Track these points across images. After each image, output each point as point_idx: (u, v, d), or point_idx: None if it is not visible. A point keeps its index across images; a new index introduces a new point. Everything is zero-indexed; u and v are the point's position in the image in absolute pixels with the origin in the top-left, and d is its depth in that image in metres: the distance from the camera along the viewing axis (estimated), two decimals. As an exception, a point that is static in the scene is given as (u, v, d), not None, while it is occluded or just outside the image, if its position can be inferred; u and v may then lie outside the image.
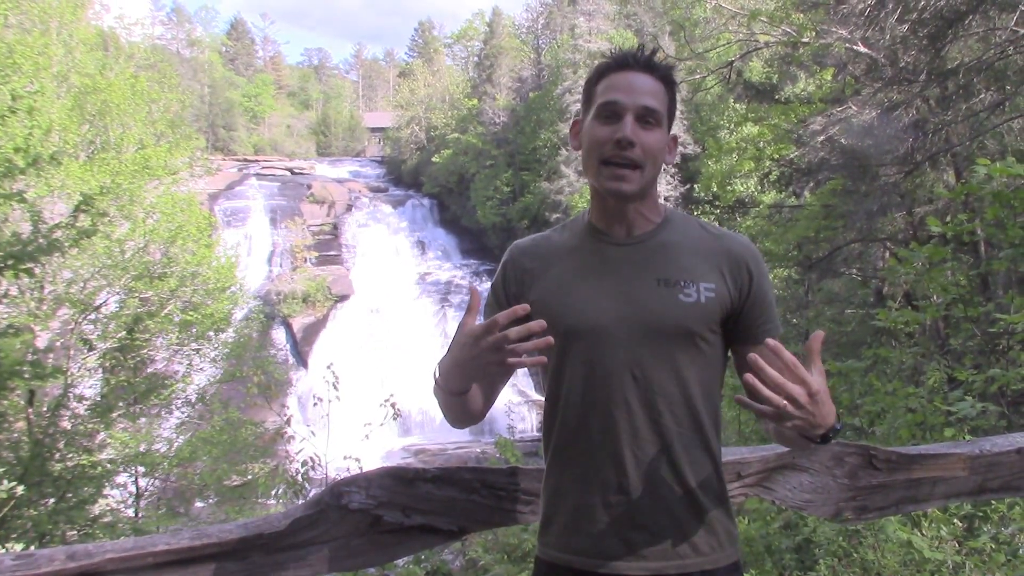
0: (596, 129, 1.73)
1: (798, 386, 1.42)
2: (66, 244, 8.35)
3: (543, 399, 1.88)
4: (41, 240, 7.56)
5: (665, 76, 1.76)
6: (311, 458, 6.88)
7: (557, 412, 1.78)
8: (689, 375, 1.72)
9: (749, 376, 1.42)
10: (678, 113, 1.83)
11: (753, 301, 1.78)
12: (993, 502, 4.01)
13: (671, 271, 1.74)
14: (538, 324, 1.51)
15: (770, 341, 1.46)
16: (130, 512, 11.56)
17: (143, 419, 13.02)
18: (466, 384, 1.70)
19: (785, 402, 1.41)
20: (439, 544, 2.03)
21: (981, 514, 4.16)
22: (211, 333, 16.09)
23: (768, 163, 16.00)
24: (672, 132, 1.81)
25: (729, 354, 1.85)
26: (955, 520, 4.11)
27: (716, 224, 2.18)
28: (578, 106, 1.87)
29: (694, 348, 1.72)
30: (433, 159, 47.04)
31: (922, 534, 3.93)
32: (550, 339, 1.53)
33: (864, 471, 2.21)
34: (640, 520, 1.69)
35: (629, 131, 1.68)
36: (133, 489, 12.21)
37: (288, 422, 8.33)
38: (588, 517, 1.72)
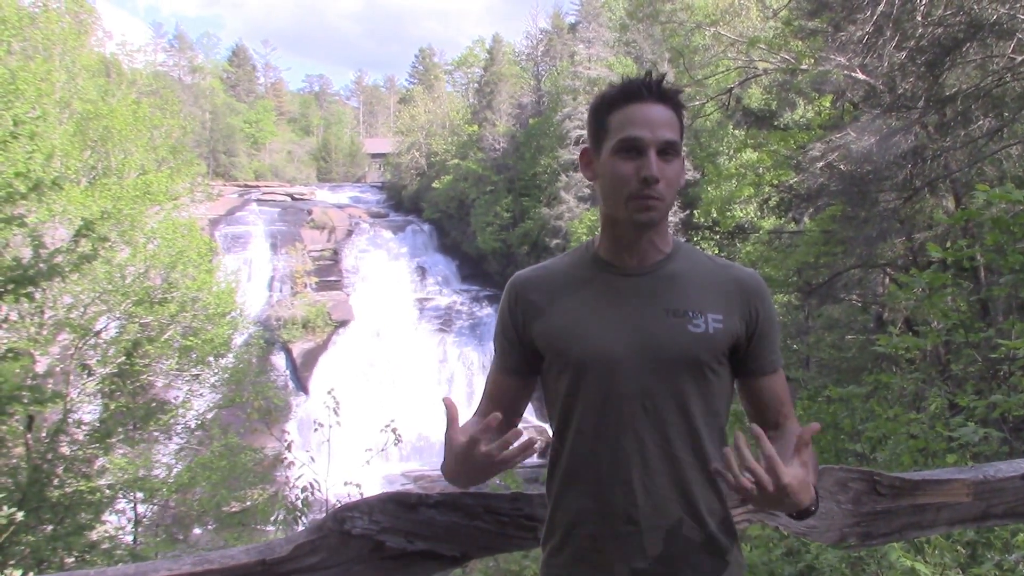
0: (619, 165, 1.71)
1: (768, 476, 1.50)
2: (67, 269, 8.37)
3: (543, 425, 1.88)
4: (42, 265, 7.57)
5: (676, 101, 1.75)
6: (311, 484, 6.85)
7: (566, 441, 1.78)
8: (696, 406, 1.72)
9: (728, 450, 1.53)
10: (679, 139, 1.83)
11: (760, 334, 1.80)
12: (996, 528, 3.99)
13: (680, 301, 1.75)
14: (513, 434, 1.57)
15: (755, 428, 1.56)
16: (129, 538, 11.50)
17: (142, 445, 12.98)
18: (473, 484, 1.76)
19: (752, 487, 1.51)
20: (441, 570, 2.02)
21: (984, 541, 4.14)
22: (211, 358, 16.10)
23: (767, 189, 16.06)
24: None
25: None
26: (958, 547, 4.09)
27: (722, 256, 2.20)
28: (578, 132, 1.88)
29: (702, 378, 1.73)
30: (433, 185, 47.15)
31: (925, 561, 3.91)
32: (532, 440, 1.58)
33: (868, 497, 2.20)
34: (650, 551, 1.69)
35: (655, 170, 1.67)
36: (132, 515, 12.14)
37: (288, 448, 8.29)
38: (598, 547, 1.72)
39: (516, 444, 1.56)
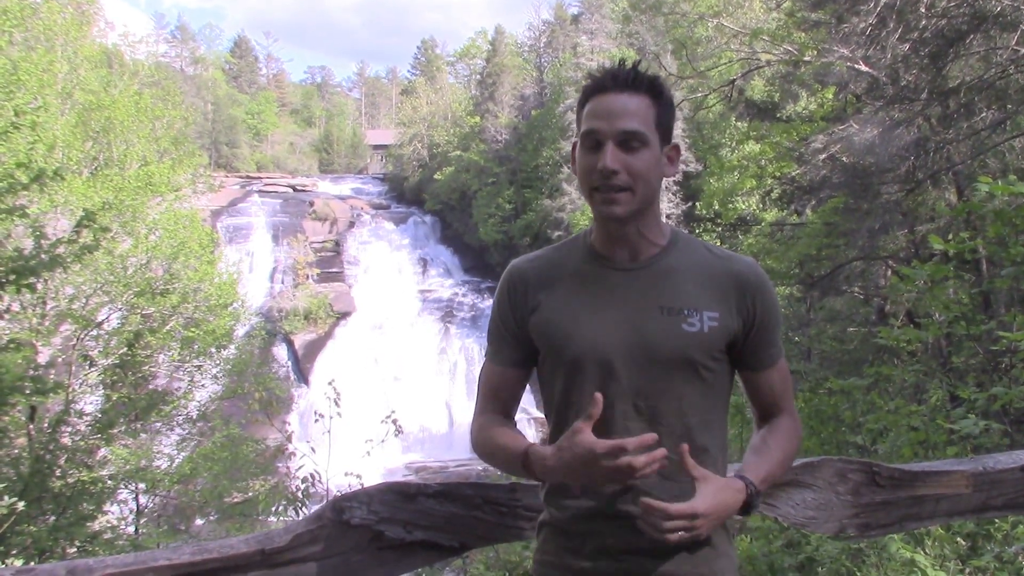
0: (583, 158, 1.71)
1: (689, 522, 1.56)
2: (68, 260, 8.37)
3: (543, 416, 1.86)
4: (43, 255, 7.57)
5: (651, 88, 1.71)
6: (311, 475, 6.86)
7: None
8: (690, 405, 1.70)
9: (646, 504, 1.55)
10: (680, 132, 1.81)
11: (759, 328, 1.77)
12: (996, 520, 3.99)
13: (675, 299, 1.72)
14: (662, 452, 1.53)
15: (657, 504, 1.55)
16: (130, 529, 11.53)
17: (144, 435, 13.01)
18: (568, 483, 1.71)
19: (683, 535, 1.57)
20: (440, 560, 2.02)
21: (984, 532, 4.14)
22: (213, 350, 16.14)
23: (770, 181, 16.03)
24: (673, 142, 1.77)
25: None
26: (958, 538, 4.09)
27: (722, 246, 2.16)
28: (581, 124, 1.84)
29: (696, 377, 1.70)
30: (435, 176, 47.10)
31: (925, 552, 3.92)
32: (664, 451, 1.54)
33: (867, 488, 2.20)
34: (643, 546, 1.67)
35: (610, 161, 1.64)
36: (133, 506, 12.18)
37: (289, 439, 8.31)
38: (591, 543, 1.71)
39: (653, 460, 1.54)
